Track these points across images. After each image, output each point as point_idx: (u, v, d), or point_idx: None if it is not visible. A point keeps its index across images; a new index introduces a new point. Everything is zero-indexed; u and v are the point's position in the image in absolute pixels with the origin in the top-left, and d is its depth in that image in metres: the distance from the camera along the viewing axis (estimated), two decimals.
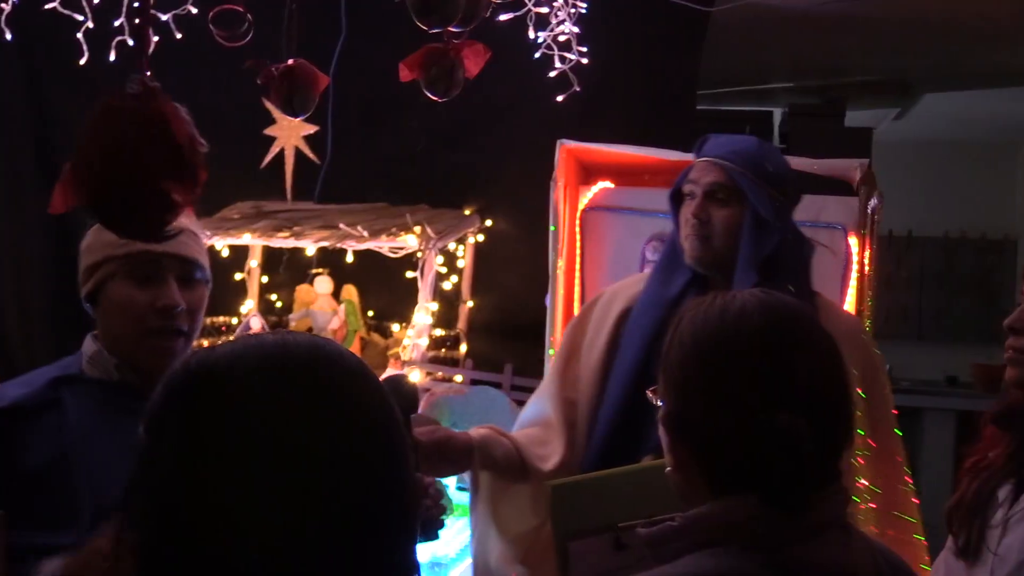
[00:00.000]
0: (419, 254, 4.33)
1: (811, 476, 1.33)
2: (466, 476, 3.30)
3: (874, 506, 2.45)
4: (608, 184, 3.95)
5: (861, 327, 2.53)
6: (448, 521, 3.20)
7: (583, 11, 3.67)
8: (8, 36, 3.42)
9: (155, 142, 1.72)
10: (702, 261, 2.47)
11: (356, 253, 4.46)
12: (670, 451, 1.43)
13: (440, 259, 4.60)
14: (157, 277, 2.12)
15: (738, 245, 2.44)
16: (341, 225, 4.36)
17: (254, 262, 4.83)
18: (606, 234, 3.90)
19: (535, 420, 2.65)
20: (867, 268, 3.39)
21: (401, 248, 4.35)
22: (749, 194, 2.43)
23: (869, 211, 3.40)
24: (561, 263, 3.84)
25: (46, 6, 3.14)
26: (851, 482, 2.39)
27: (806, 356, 1.38)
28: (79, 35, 3.16)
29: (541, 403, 2.69)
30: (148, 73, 1.74)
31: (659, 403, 1.46)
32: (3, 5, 3.24)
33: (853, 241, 3.37)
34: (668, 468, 1.43)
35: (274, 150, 4.93)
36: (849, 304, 3.34)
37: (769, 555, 1.31)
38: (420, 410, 3.53)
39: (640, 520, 1.46)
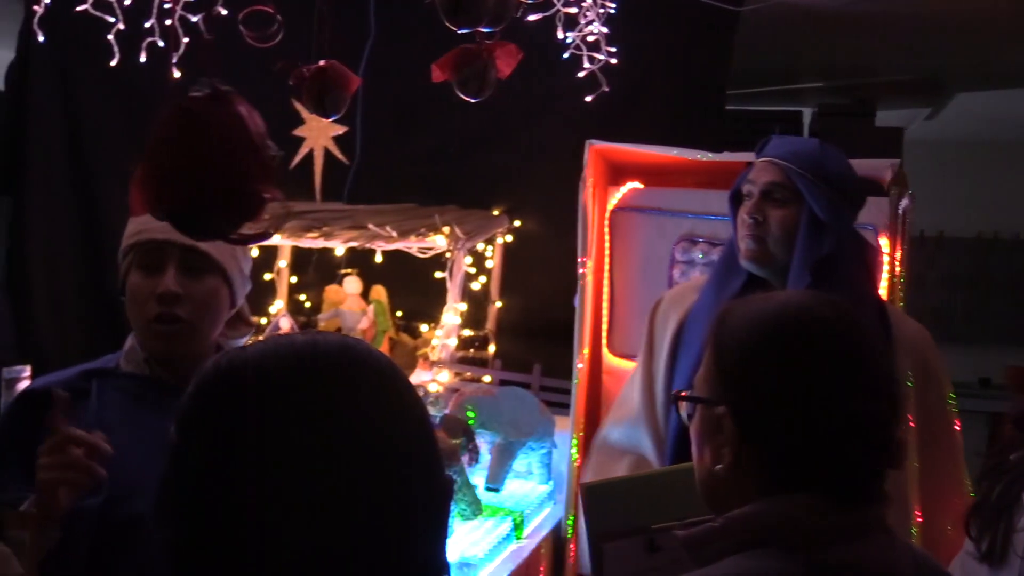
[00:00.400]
0: (448, 254, 4.34)
1: (880, 462, 1.34)
2: (498, 476, 3.31)
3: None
4: (637, 184, 3.94)
5: (927, 335, 2.52)
6: (477, 522, 3.21)
7: (612, 11, 3.66)
8: (41, 38, 3.45)
9: (237, 143, 1.74)
10: (757, 261, 2.47)
11: (385, 253, 4.47)
12: (717, 449, 1.40)
13: (469, 259, 4.60)
14: (160, 265, 2.15)
15: (794, 246, 2.42)
16: (370, 225, 4.36)
17: (283, 262, 4.85)
18: (635, 234, 3.89)
19: (631, 449, 2.78)
20: (898, 269, 3.36)
21: (430, 248, 4.35)
22: (806, 194, 2.42)
23: (900, 211, 3.37)
24: (590, 264, 3.83)
25: (78, 8, 3.15)
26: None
27: (870, 347, 1.39)
28: (110, 36, 3.17)
29: (635, 433, 2.80)
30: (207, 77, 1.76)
31: (684, 412, 1.47)
32: (36, 7, 3.26)
33: (884, 241, 3.35)
34: (711, 468, 1.41)
35: (303, 151, 4.94)
36: None
37: (812, 555, 1.30)
38: (449, 410, 3.54)
39: (674, 522, 1.46)
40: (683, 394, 1.49)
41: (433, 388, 4.13)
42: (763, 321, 1.40)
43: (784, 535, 1.32)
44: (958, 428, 2.54)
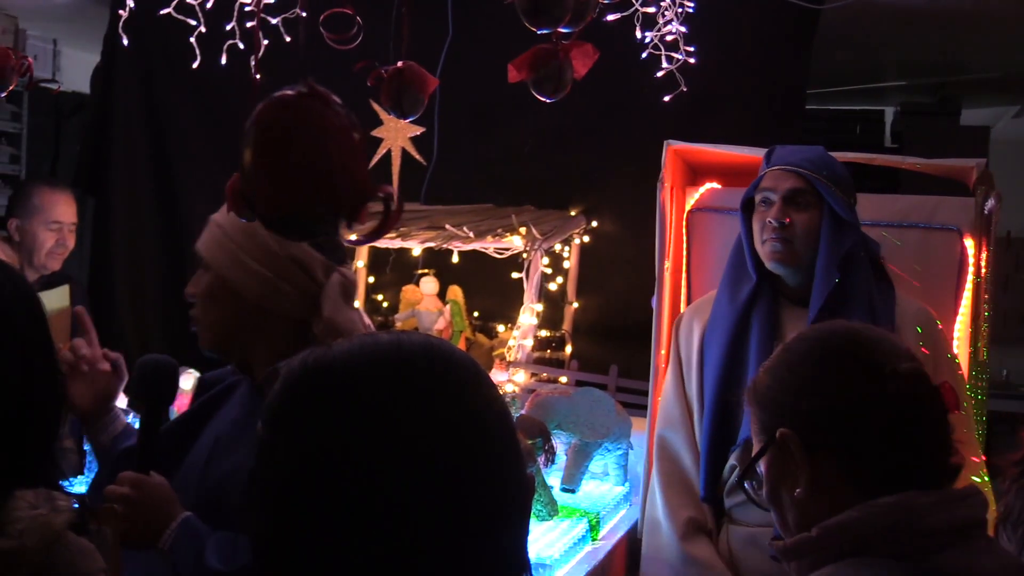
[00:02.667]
0: (524, 255, 4.34)
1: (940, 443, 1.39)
2: (574, 477, 3.32)
3: None
4: (715, 185, 3.91)
5: (928, 313, 2.75)
6: (552, 523, 3.21)
7: (691, 10, 3.64)
8: (125, 41, 3.51)
9: (342, 144, 1.75)
10: (784, 262, 2.63)
11: (462, 254, 4.49)
12: (793, 477, 1.41)
13: (546, 260, 4.60)
14: None
15: (817, 246, 2.60)
16: (447, 226, 4.38)
17: (360, 262, 4.89)
18: (713, 235, 3.86)
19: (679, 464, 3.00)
20: (984, 271, 3.30)
21: (507, 249, 4.36)
22: (827, 197, 2.59)
23: (986, 212, 3.31)
24: (668, 264, 3.81)
25: (161, 12, 3.21)
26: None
27: (893, 352, 1.46)
28: (192, 39, 3.22)
29: (676, 438, 3.02)
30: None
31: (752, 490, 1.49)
32: (121, 12, 3.32)
33: (969, 243, 3.29)
34: (793, 498, 1.41)
35: (381, 151, 4.98)
36: (965, 308, 3.26)
37: (915, 564, 1.28)
38: (525, 410, 3.54)
39: None
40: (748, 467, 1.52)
41: (509, 388, 4.13)
42: (791, 351, 1.50)
43: (882, 543, 1.30)
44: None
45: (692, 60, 3.60)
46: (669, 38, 3.57)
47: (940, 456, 1.40)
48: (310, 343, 1.82)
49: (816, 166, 2.64)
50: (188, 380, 3.63)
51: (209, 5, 3.29)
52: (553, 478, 3.47)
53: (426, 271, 4.75)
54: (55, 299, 3.78)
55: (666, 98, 3.59)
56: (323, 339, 1.88)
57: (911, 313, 2.72)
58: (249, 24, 3.15)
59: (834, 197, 2.58)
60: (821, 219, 2.60)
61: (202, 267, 2.11)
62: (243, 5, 3.23)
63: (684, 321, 2.97)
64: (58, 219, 3.91)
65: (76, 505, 1.37)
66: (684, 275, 3.90)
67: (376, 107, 4.75)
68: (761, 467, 1.47)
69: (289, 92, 1.79)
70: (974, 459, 2.65)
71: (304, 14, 2.82)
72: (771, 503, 1.47)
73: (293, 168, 1.73)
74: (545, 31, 2.39)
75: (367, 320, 4.43)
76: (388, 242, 4.39)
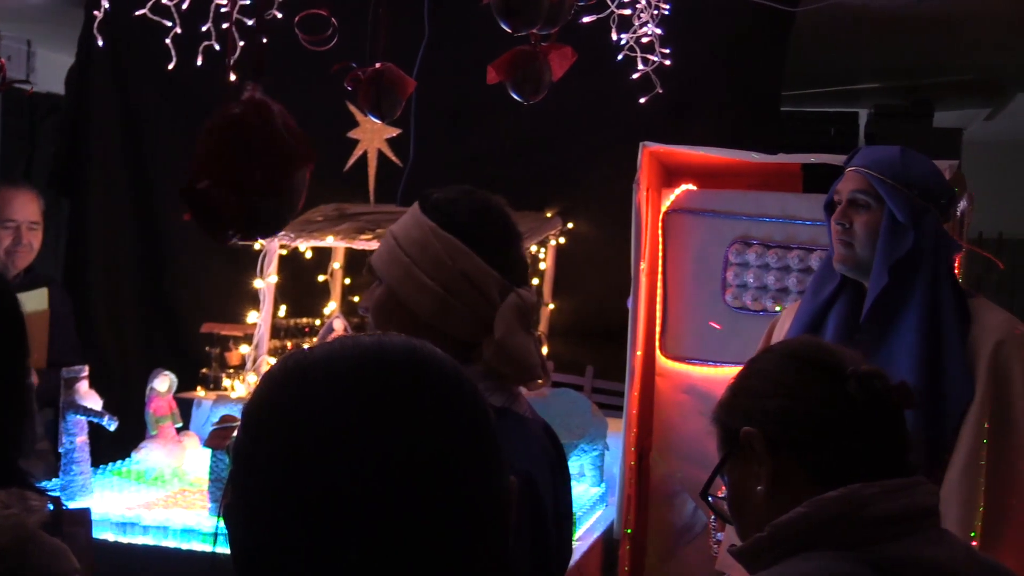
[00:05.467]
0: None
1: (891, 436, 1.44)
2: None
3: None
4: (691, 186, 3.92)
5: (1012, 327, 2.54)
6: None
7: (666, 12, 3.65)
8: (100, 42, 3.50)
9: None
10: (847, 263, 2.59)
11: None
12: (754, 475, 1.45)
13: None
14: None
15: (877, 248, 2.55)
16: None
17: (337, 264, 4.88)
18: (689, 236, 3.88)
19: None
20: (956, 271, 3.32)
21: None
22: (886, 198, 2.54)
23: (958, 213, 3.33)
24: (643, 265, 3.82)
25: (136, 13, 3.20)
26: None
27: (853, 358, 1.49)
28: (167, 40, 3.21)
29: None
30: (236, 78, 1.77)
31: (723, 448, 1.52)
32: (96, 12, 3.31)
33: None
34: (754, 493, 1.44)
35: (357, 153, 4.97)
36: None
37: (861, 554, 1.31)
38: None
39: None
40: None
41: None
42: (756, 362, 1.55)
43: (830, 536, 1.34)
44: None
45: (667, 62, 3.60)
46: (645, 40, 3.57)
47: (896, 452, 1.43)
48: (479, 367, 1.78)
49: (882, 166, 2.58)
50: (164, 382, 3.61)
51: (185, 6, 3.28)
52: None
53: None
54: (33, 301, 3.77)
55: (642, 100, 3.60)
56: (493, 364, 1.79)
57: (989, 327, 2.53)
58: (224, 25, 3.14)
59: (894, 198, 2.52)
60: (881, 220, 2.55)
61: (376, 281, 2.03)
62: (219, 6, 3.22)
63: (779, 321, 2.90)
64: (12, 217, 3.88)
65: (50, 506, 1.36)
66: (660, 276, 3.91)
67: (352, 108, 4.75)
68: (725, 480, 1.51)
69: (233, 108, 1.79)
70: None
71: (280, 15, 2.81)
72: (733, 509, 1.50)
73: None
74: (520, 32, 2.39)
75: (344, 322, 4.42)
76: (365, 243, 4.38)
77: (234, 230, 1.94)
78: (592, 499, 3.67)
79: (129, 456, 3.57)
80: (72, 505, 1.53)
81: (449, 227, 1.82)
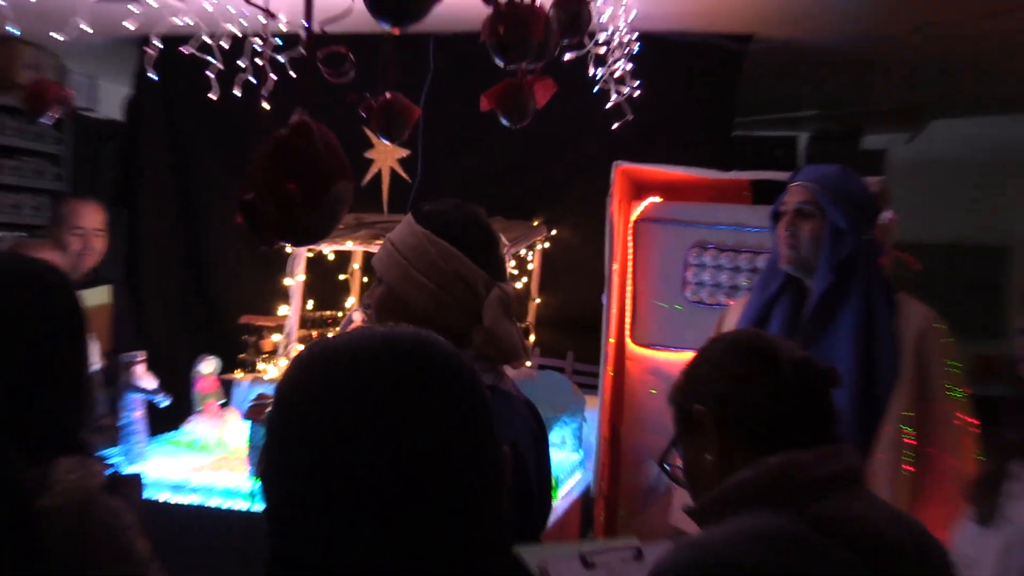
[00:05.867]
0: None
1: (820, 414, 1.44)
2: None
3: (913, 443, 2.44)
4: (657, 199, 3.92)
5: (932, 319, 2.55)
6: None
7: (635, 51, 3.65)
8: (153, 76, 3.48)
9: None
10: (793, 264, 2.59)
11: None
12: (706, 446, 1.45)
13: (513, 263, 4.60)
14: None
15: (821, 251, 2.56)
16: None
17: (356, 265, 4.88)
18: (654, 242, 3.87)
19: None
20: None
21: None
22: (828, 208, 2.55)
23: (885, 221, 3.33)
24: (616, 267, 3.82)
25: (181, 47, 3.19)
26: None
27: (788, 346, 1.49)
28: (210, 74, 3.20)
29: None
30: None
31: (677, 437, 1.52)
32: (148, 50, 3.29)
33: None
34: (705, 460, 1.44)
35: (373, 170, 4.96)
36: None
37: (797, 511, 1.32)
38: None
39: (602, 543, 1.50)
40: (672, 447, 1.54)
41: None
42: (706, 350, 1.54)
43: (769, 495, 1.34)
44: (958, 398, 2.50)
45: (637, 93, 3.60)
46: (617, 74, 3.57)
47: (825, 424, 1.44)
48: (470, 351, 1.78)
49: (824, 182, 2.59)
50: (208, 366, 3.61)
51: (226, 46, 3.26)
52: None
53: None
54: (96, 296, 3.76)
55: (615, 125, 3.59)
56: (483, 348, 1.79)
57: (911, 320, 2.56)
58: (259, 61, 3.12)
59: (834, 210, 2.53)
60: (824, 228, 2.55)
61: (376, 281, 2.03)
62: (254, 45, 3.21)
63: (728, 314, 2.86)
64: (80, 225, 3.87)
65: (108, 472, 1.36)
66: (630, 276, 3.91)
67: (368, 132, 4.74)
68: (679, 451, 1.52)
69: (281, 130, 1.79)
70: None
71: (306, 53, 2.80)
72: (687, 475, 1.50)
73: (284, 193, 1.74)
74: (512, 67, 2.39)
75: (362, 314, 4.41)
76: (379, 247, 4.37)
77: (279, 236, 1.94)
78: (572, 464, 3.66)
79: (179, 428, 3.56)
80: (128, 471, 1.52)
81: (442, 234, 1.83)
